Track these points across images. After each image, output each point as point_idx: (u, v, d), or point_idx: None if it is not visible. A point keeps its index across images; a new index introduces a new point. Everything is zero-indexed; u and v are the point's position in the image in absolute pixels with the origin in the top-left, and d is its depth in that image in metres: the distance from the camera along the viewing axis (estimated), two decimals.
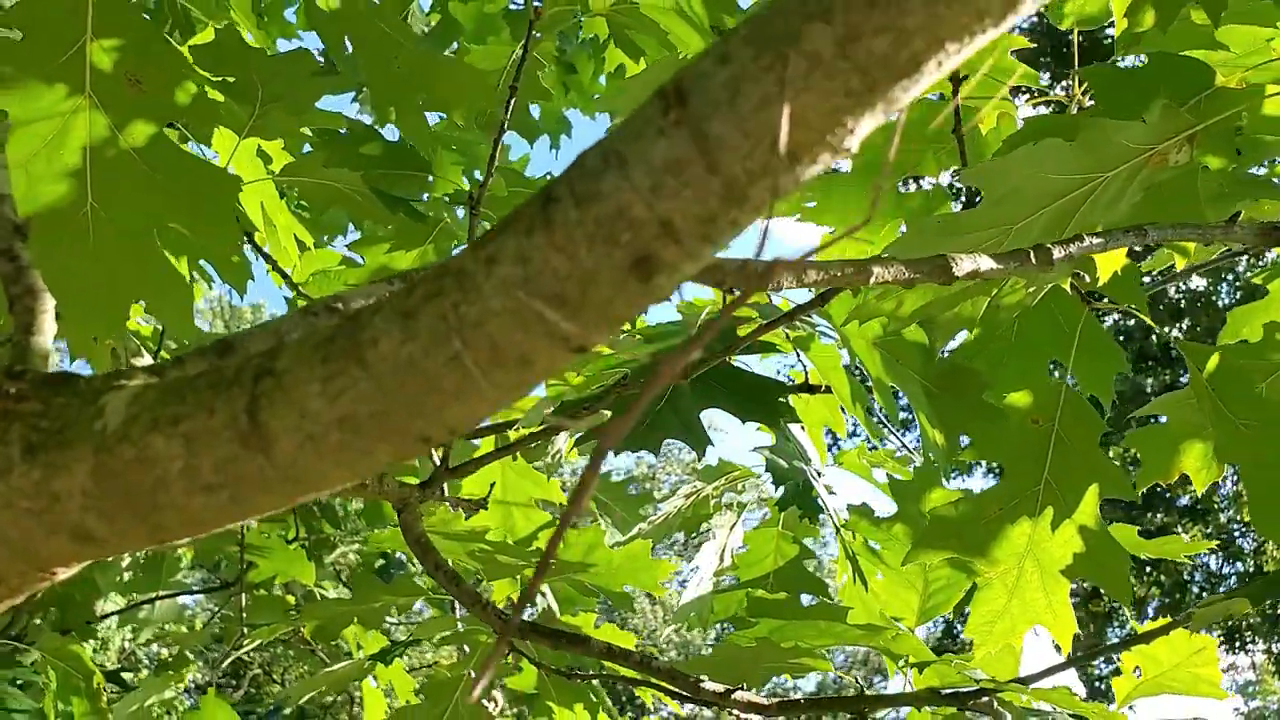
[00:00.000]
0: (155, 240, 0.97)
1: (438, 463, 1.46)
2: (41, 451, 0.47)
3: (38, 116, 0.94)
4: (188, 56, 1.05)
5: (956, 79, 1.20)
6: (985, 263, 0.72)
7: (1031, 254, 0.76)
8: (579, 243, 0.40)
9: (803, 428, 1.95)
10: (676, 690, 1.52)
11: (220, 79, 1.23)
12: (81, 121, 0.95)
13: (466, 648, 2.66)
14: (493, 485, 2.08)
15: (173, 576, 4.63)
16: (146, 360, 2.14)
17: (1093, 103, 1.20)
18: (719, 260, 0.56)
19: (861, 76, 0.39)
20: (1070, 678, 1.58)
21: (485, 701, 2.51)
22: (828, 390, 2.01)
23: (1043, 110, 1.52)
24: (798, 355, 2.00)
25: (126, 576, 4.45)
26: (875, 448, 2.40)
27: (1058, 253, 0.77)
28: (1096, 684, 9.52)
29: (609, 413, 1.63)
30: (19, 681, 2.47)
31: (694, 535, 3.18)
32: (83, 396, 0.48)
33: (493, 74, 1.67)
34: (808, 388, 2.12)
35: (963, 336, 1.36)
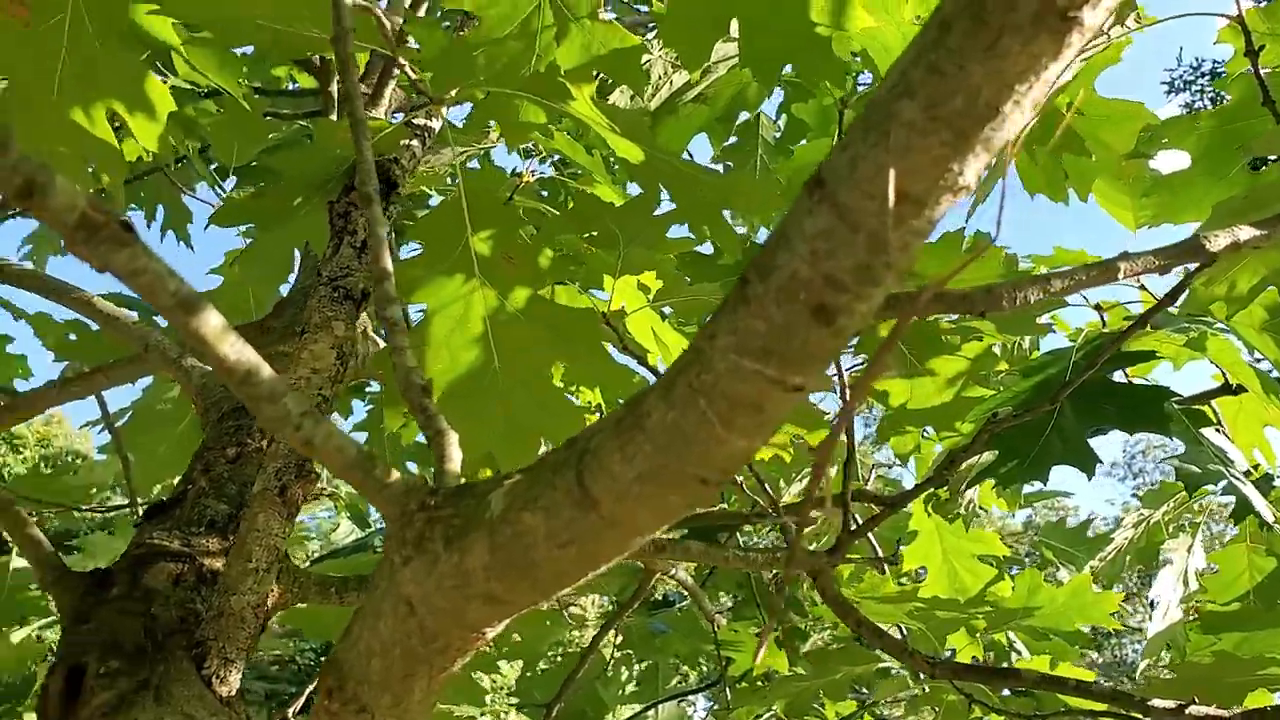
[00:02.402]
0: (549, 379, 1.19)
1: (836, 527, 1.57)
2: (455, 541, 0.65)
3: (447, 302, 1.20)
4: (554, 223, 1.28)
5: (1254, 51, 1.17)
6: (1245, 233, 0.75)
7: None
8: (769, 306, 0.52)
9: (1218, 429, 1.86)
10: (1122, 712, 1.50)
11: (586, 234, 1.46)
12: (478, 298, 1.20)
13: (936, 707, 2.69)
14: (899, 543, 2.14)
15: (668, 684, 5.00)
16: None
17: None
18: (894, 295, 0.65)
19: (950, 130, 0.49)
20: None
21: None
22: (1241, 389, 1.92)
23: None
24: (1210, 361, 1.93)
25: (630, 689, 4.87)
26: None
27: None
28: None
29: (994, 453, 1.67)
30: None
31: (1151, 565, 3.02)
32: (478, 497, 0.66)
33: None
34: (1227, 389, 2.02)
35: None
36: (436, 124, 1.42)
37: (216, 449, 1.38)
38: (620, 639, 4.52)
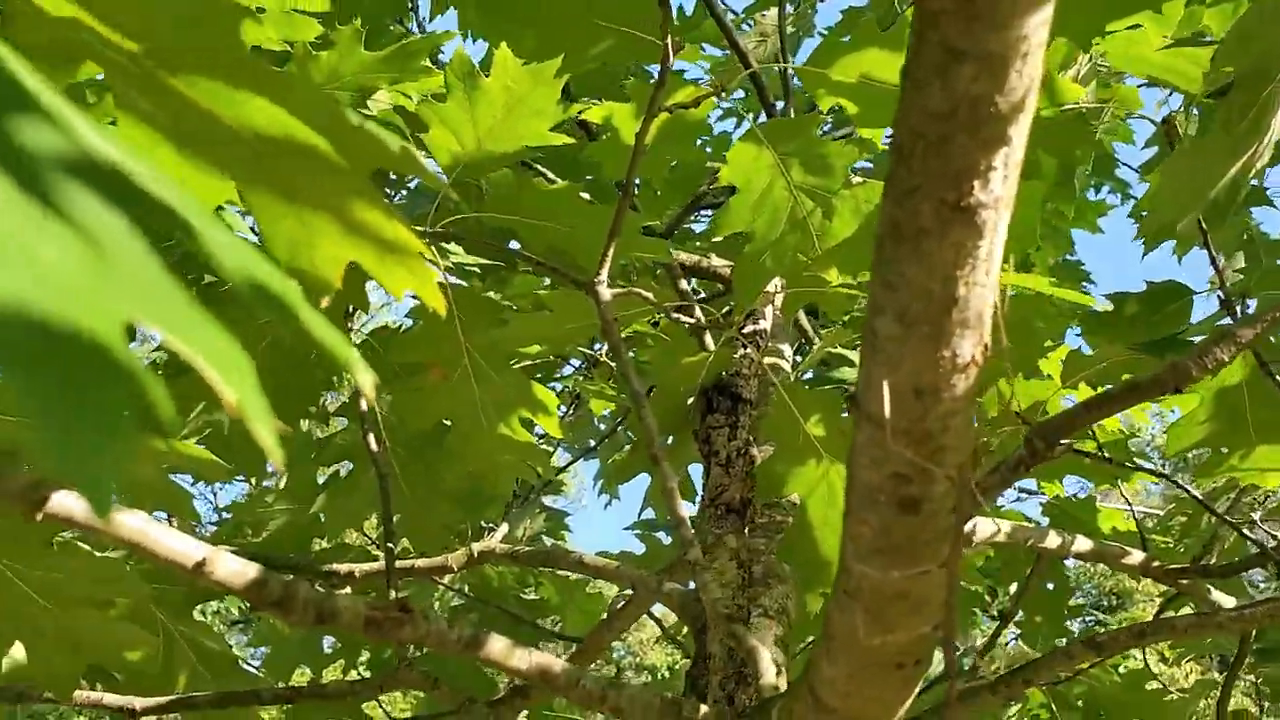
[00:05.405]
0: None
1: None
2: None
3: (813, 486, 1.29)
4: None
5: None
6: None
7: None
8: (864, 512, 0.59)
9: None
10: None
11: None
12: (834, 474, 1.29)
13: None
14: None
15: None
16: None
17: None
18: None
19: (925, 327, 0.54)
20: None
21: None
22: None
23: None
24: None
25: None
26: None
27: None
28: None
29: None
30: None
31: None
32: (767, 713, 0.76)
33: None
34: None
35: None
36: (765, 324, 1.56)
37: (700, 662, 1.56)
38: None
